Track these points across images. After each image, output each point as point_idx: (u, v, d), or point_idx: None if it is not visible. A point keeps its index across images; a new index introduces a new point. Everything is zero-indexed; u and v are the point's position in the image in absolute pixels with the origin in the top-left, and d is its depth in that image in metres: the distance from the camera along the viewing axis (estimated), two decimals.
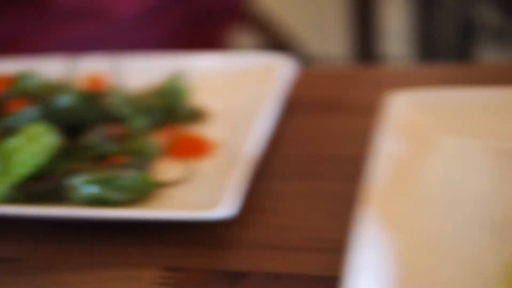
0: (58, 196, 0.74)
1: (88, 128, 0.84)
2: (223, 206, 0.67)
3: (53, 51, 1.36)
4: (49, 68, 0.96)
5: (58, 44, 1.37)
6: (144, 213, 0.68)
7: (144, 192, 0.74)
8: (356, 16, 2.04)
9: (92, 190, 0.72)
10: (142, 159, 0.77)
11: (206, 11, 1.52)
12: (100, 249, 0.72)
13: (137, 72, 0.96)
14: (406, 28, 2.14)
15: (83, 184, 0.72)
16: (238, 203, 0.70)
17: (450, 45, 2.06)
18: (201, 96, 0.93)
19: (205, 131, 0.86)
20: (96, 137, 0.78)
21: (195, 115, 0.89)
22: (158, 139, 0.82)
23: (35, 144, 0.77)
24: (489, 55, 2.03)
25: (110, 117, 0.84)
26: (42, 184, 0.76)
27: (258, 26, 1.95)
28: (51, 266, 0.71)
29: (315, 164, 0.83)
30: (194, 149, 0.81)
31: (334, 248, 0.69)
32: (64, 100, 0.84)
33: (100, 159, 0.78)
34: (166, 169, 0.79)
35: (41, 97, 0.86)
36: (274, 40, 1.97)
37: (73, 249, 0.73)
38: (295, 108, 0.92)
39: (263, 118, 0.82)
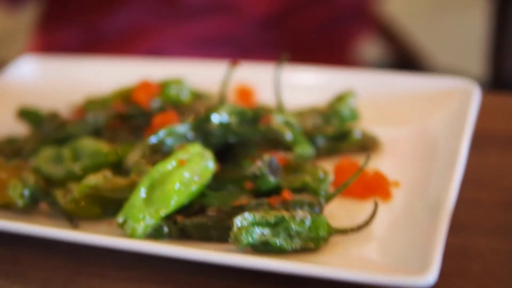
0: (218, 235, 0.63)
1: (241, 152, 0.72)
2: (430, 272, 0.54)
3: (178, 47, 1.27)
4: (197, 73, 0.86)
5: (184, 41, 1.27)
6: (331, 272, 0.56)
7: (318, 240, 0.62)
8: (495, 33, 1.87)
9: (260, 233, 0.61)
10: (315, 198, 0.65)
11: (336, 16, 1.40)
12: None
13: (293, 87, 0.84)
14: None
15: (251, 225, 0.60)
16: (439, 266, 0.57)
17: None
18: (367, 121, 0.80)
19: (378, 165, 0.73)
20: (262, 166, 0.66)
21: (365, 145, 0.76)
22: (326, 171, 0.69)
23: (190, 169, 0.66)
24: None
25: (271, 142, 0.72)
26: (198, 218, 0.64)
27: (385, 36, 1.82)
28: None
29: None
30: (371, 188, 0.68)
31: None
32: (220, 118, 0.72)
33: (263, 193, 0.67)
34: (338, 209, 0.67)
35: (192, 110, 0.75)
36: (400, 52, 1.84)
37: None
38: (481, 143, 0.78)
39: (454, 156, 0.68)
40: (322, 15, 1.38)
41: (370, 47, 1.81)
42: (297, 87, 0.86)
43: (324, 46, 1.41)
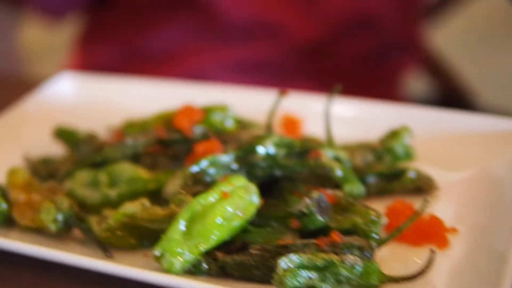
0: (261, 275, 0.59)
1: (287, 187, 0.68)
2: None
3: (217, 71, 1.23)
4: (239, 99, 0.82)
5: (223, 64, 1.23)
6: None
7: None
8: None
9: (306, 276, 0.56)
10: (365, 241, 0.60)
11: (383, 47, 1.35)
12: None
13: (340, 120, 0.80)
14: None
15: (298, 267, 0.56)
16: None
17: None
18: (421, 161, 0.75)
19: (434, 209, 0.68)
20: (310, 204, 0.62)
21: (420, 186, 0.71)
22: (378, 213, 0.64)
23: (233, 203, 0.62)
24: None
25: (319, 178, 0.67)
26: (240, 256, 0.60)
27: (431, 71, 1.77)
28: None
29: None
30: (427, 234, 0.63)
31: None
32: (266, 149, 0.68)
33: (309, 233, 0.62)
34: (389, 255, 0.62)
35: (236, 139, 0.71)
36: (447, 87, 1.79)
37: None
38: None
39: None
40: (368, 45, 1.33)
41: (414, 81, 1.76)
42: (344, 120, 0.81)
43: (368, 78, 1.36)
